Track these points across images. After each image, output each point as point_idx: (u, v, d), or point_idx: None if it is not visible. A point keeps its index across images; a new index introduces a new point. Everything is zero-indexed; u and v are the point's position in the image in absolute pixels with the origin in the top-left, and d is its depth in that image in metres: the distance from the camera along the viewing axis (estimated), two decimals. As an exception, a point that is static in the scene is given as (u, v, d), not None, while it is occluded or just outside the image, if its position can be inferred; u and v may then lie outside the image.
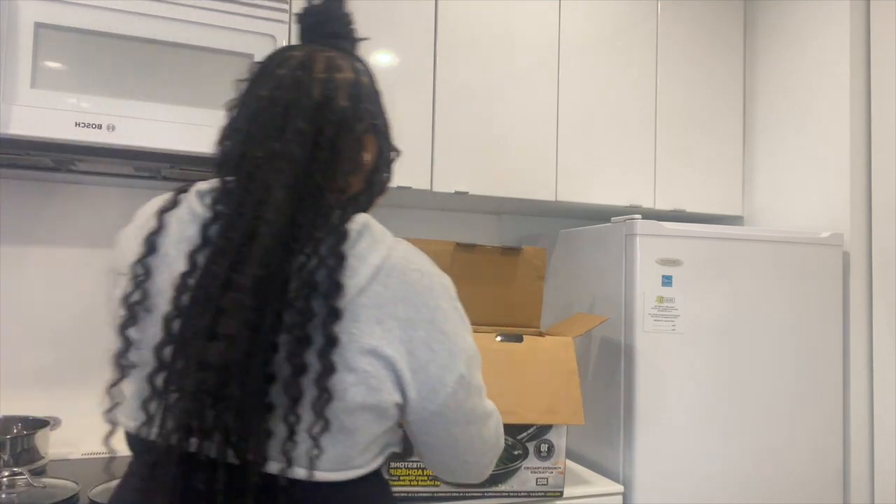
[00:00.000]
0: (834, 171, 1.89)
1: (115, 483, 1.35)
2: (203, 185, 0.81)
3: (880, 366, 1.81)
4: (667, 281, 1.66)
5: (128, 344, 0.78)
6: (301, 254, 0.73)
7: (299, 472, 0.72)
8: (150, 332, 0.77)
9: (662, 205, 2.02)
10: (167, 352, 0.73)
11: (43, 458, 1.49)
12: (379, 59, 1.70)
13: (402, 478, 1.39)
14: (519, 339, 1.49)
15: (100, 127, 1.36)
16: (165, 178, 1.69)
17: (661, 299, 1.65)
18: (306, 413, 0.70)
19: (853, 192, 1.85)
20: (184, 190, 0.82)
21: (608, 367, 1.72)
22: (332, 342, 0.71)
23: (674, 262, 1.67)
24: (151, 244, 0.79)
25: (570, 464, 1.74)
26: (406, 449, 0.85)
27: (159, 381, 0.73)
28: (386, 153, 0.89)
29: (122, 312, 0.79)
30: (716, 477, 1.68)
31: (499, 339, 1.49)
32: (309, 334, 0.70)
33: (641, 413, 1.62)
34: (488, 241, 2.15)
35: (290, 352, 0.70)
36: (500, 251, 1.58)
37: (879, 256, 1.83)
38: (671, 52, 2.04)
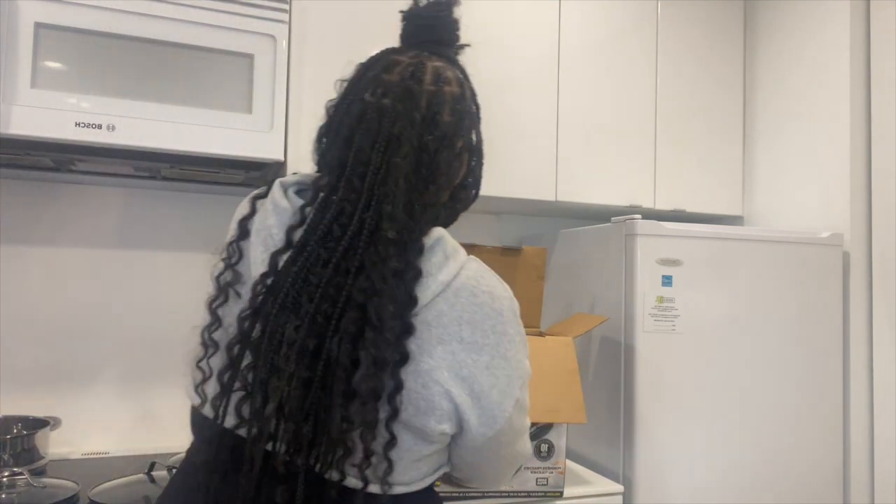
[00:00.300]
0: (834, 171, 1.89)
1: (114, 483, 1.36)
2: (288, 178, 0.82)
3: (880, 366, 1.81)
4: (667, 281, 1.66)
5: (217, 321, 0.78)
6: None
7: (353, 483, 0.71)
8: (235, 315, 0.76)
9: (662, 205, 2.02)
10: (250, 352, 0.72)
11: (43, 458, 1.49)
12: (379, 59, 1.69)
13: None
14: (519, 339, 1.49)
15: (100, 127, 1.36)
16: (165, 178, 1.69)
17: (661, 299, 1.65)
18: (380, 429, 0.70)
19: (853, 192, 1.85)
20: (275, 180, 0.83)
21: (608, 367, 1.71)
22: (404, 358, 0.70)
23: (674, 262, 1.67)
24: (244, 228, 0.79)
25: (570, 464, 1.74)
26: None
27: (244, 377, 0.72)
28: (476, 169, 0.89)
29: (214, 290, 0.79)
30: (716, 477, 1.67)
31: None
32: (384, 350, 0.70)
33: (641, 413, 1.62)
34: (488, 241, 2.15)
35: (368, 367, 0.69)
36: (500, 251, 1.58)
37: (879, 256, 1.83)
38: (671, 52, 2.04)
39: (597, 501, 1.54)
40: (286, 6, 1.52)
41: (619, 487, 1.59)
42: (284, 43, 1.51)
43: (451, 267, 0.75)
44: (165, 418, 1.78)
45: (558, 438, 1.46)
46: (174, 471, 0.88)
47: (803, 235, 1.80)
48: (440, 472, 0.81)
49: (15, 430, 1.55)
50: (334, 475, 0.69)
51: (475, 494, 1.42)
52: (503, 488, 0.93)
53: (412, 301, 0.72)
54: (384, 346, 0.69)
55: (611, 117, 1.96)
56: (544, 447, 1.46)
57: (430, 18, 0.86)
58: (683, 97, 2.06)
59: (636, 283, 1.64)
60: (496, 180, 1.82)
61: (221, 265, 0.79)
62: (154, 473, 1.41)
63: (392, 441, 0.71)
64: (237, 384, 0.71)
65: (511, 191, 1.83)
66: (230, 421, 0.72)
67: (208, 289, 0.82)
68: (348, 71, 0.87)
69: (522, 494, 1.45)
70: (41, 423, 1.53)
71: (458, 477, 0.88)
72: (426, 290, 0.73)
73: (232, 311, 0.76)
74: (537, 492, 1.45)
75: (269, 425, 0.69)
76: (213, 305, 0.77)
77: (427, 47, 0.85)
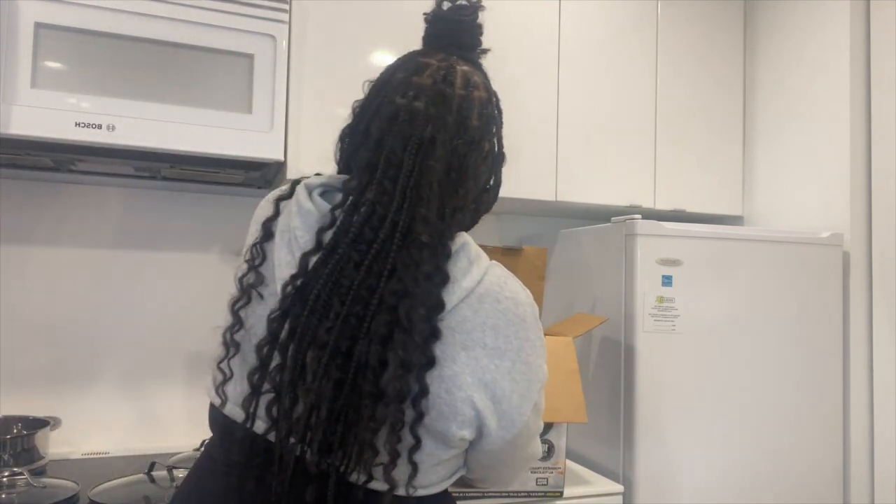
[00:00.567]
0: (834, 171, 1.89)
1: (114, 483, 1.36)
2: (312, 180, 0.81)
3: (880, 366, 1.81)
4: (667, 281, 1.66)
5: (239, 322, 0.77)
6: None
7: (378, 486, 0.72)
8: (259, 317, 0.76)
9: (662, 205, 2.02)
10: (277, 352, 0.72)
11: (43, 458, 1.49)
12: (380, 60, 1.69)
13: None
14: (519, 339, 1.49)
15: (100, 127, 1.36)
16: (165, 178, 1.69)
17: (661, 299, 1.65)
18: (405, 432, 0.70)
19: (853, 193, 1.85)
20: (299, 181, 0.82)
21: (608, 367, 1.71)
22: (430, 363, 0.71)
23: (674, 262, 1.67)
24: (268, 230, 0.79)
25: (570, 464, 1.74)
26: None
27: (277, 379, 0.71)
28: (499, 173, 0.89)
29: (236, 292, 0.78)
30: (716, 477, 1.67)
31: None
32: (412, 352, 0.70)
33: (641, 413, 1.62)
34: (488, 241, 2.15)
35: (396, 369, 0.69)
36: (500, 251, 1.58)
37: (879, 256, 1.83)
38: (671, 52, 2.04)
39: (597, 501, 1.54)
40: (286, 6, 1.52)
41: (619, 487, 1.59)
42: (284, 43, 1.51)
43: (475, 273, 0.76)
44: (165, 418, 1.78)
45: (558, 438, 1.46)
46: (190, 468, 0.87)
47: (803, 235, 1.80)
48: (457, 476, 0.82)
49: (15, 430, 1.55)
50: (361, 477, 0.70)
51: (475, 494, 1.41)
52: (510, 488, 0.94)
53: (440, 305, 0.72)
54: (412, 348, 0.69)
55: (611, 117, 1.96)
56: (544, 447, 1.46)
57: (455, 22, 0.87)
58: (683, 97, 2.06)
59: (636, 283, 1.64)
60: (496, 180, 1.82)
61: (245, 266, 0.78)
62: (154, 473, 1.41)
63: (417, 444, 0.71)
64: (266, 385, 0.71)
65: (511, 191, 1.83)
66: (260, 425, 0.72)
67: (229, 290, 0.82)
68: (371, 73, 0.87)
69: (522, 494, 1.45)
70: (41, 423, 1.53)
71: (471, 478, 0.88)
72: (452, 296, 0.73)
73: (255, 313, 0.76)
74: (537, 492, 1.45)
75: (298, 426, 0.69)
76: (236, 307, 0.76)
77: (451, 50, 0.85)
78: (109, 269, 1.75)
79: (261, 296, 0.76)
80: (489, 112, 0.85)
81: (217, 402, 0.77)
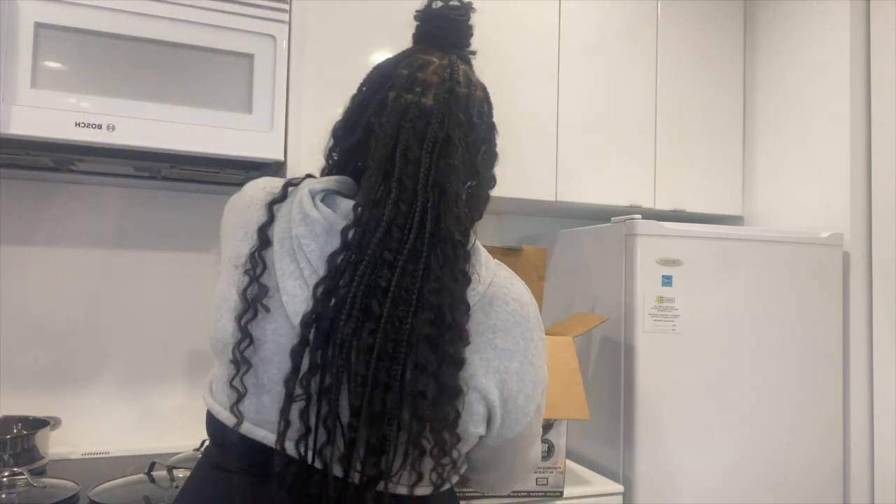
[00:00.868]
0: (834, 171, 1.89)
1: (114, 483, 1.36)
2: (315, 185, 0.79)
3: (880, 366, 1.81)
4: (667, 281, 1.66)
5: (248, 338, 0.73)
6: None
7: (422, 490, 0.73)
8: (270, 329, 0.73)
9: (662, 205, 2.02)
10: (309, 358, 0.70)
11: (43, 458, 1.49)
12: (380, 60, 1.69)
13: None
14: (519, 339, 1.49)
15: (100, 127, 1.36)
16: (165, 178, 1.69)
17: (661, 299, 1.65)
18: (451, 431, 0.71)
19: (853, 193, 1.85)
20: (293, 183, 0.80)
21: (608, 367, 1.71)
22: (463, 362, 0.71)
23: (674, 262, 1.67)
24: (265, 237, 0.76)
25: (570, 464, 1.74)
26: None
27: (302, 388, 0.69)
28: (494, 172, 0.89)
29: (240, 305, 0.74)
30: (716, 477, 1.67)
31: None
32: (460, 349, 0.71)
33: (641, 413, 1.62)
34: (488, 241, 2.15)
35: (446, 367, 0.69)
36: (500, 251, 1.58)
37: (879, 256, 1.83)
38: (671, 52, 2.04)
39: (597, 501, 1.55)
40: (286, 6, 1.52)
41: (619, 487, 1.59)
42: (284, 43, 1.51)
43: (486, 275, 0.76)
44: (165, 418, 1.78)
45: (558, 438, 1.46)
46: (191, 476, 0.85)
47: (803, 235, 1.80)
48: (462, 470, 0.83)
49: (15, 430, 1.55)
50: (412, 478, 0.70)
51: (475, 494, 1.41)
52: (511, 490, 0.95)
53: (468, 304, 0.73)
54: (460, 345, 0.70)
55: (611, 117, 1.96)
56: (544, 447, 1.46)
57: (448, 20, 0.86)
58: (683, 97, 2.06)
59: (636, 283, 1.64)
60: (496, 180, 1.81)
61: (246, 278, 0.74)
62: (154, 473, 1.41)
63: (457, 441, 0.72)
64: (299, 391, 0.69)
65: (511, 191, 1.83)
66: (290, 446, 0.70)
67: (210, 289, 0.80)
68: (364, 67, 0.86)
69: (522, 494, 1.45)
70: (41, 423, 1.53)
71: (472, 479, 0.89)
72: (470, 299, 0.74)
73: (261, 327, 0.73)
74: (537, 492, 1.45)
75: (343, 433, 0.68)
76: (243, 321, 0.73)
77: (446, 49, 0.85)
78: (109, 269, 1.75)
79: (266, 308, 0.74)
80: (486, 111, 0.86)
81: (232, 422, 0.74)
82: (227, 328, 0.75)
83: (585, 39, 1.93)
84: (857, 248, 1.85)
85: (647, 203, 2.00)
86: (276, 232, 0.76)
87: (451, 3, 0.86)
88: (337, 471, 0.68)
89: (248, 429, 0.74)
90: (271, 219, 0.77)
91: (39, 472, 1.44)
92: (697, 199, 2.07)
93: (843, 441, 1.81)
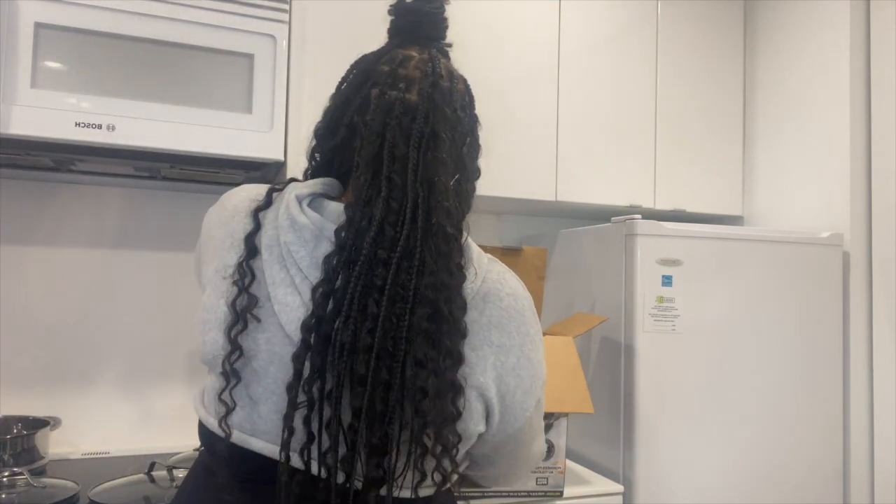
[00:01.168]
0: (834, 171, 1.89)
1: (114, 483, 1.36)
2: (301, 190, 0.77)
3: (880, 366, 1.81)
4: (667, 281, 1.66)
5: (238, 350, 0.72)
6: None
7: (425, 491, 0.73)
8: (262, 339, 0.73)
9: (662, 205, 2.02)
10: (311, 362, 0.69)
11: (43, 458, 1.49)
12: (379, 59, 1.69)
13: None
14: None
15: (100, 127, 1.36)
16: (165, 178, 1.69)
17: (661, 299, 1.65)
18: (452, 427, 0.71)
19: (853, 192, 1.85)
20: (277, 189, 0.79)
21: (608, 367, 1.71)
22: (462, 359, 0.71)
23: (674, 262, 1.67)
24: (252, 246, 0.75)
25: (570, 464, 1.74)
26: None
27: (306, 394, 0.68)
28: (476, 165, 0.88)
29: (229, 316, 0.73)
30: (716, 477, 1.67)
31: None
32: (458, 343, 0.71)
33: (641, 413, 1.62)
34: (488, 241, 2.15)
35: (444, 361, 0.69)
36: (500, 251, 1.58)
37: (879, 256, 1.83)
38: (671, 52, 2.04)
39: (597, 501, 1.54)
40: (286, 6, 1.52)
41: (619, 487, 1.59)
42: (284, 43, 1.51)
43: (479, 272, 0.76)
44: (165, 418, 1.78)
45: (558, 438, 1.46)
46: (185, 481, 0.85)
47: (803, 235, 1.80)
48: (463, 467, 0.83)
49: (15, 430, 1.55)
50: (416, 476, 0.70)
51: (475, 494, 1.42)
52: (513, 488, 0.94)
53: (465, 302, 0.73)
54: (458, 338, 0.70)
55: (611, 117, 1.96)
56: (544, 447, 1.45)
57: (423, 14, 0.86)
58: (683, 97, 2.06)
59: (636, 283, 1.64)
60: (496, 180, 1.82)
61: (234, 289, 0.73)
62: (154, 473, 1.41)
63: (459, 439, 0.72)
64: (302, 397, 0.68)
65: (511, 191, 1.83)
66: (296, 459, 0.69)
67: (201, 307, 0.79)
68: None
69: (522, 494, 1.44)
70: (41, 423, 1.53)
71: (474, 475, 0.89)
72: (465, 295, 0.74)
73: (252, 338, 0.72)
74: (537, 492, 1.45)
75: (347, 435, 0.67)
76: (233, 333, 0.72)
77: (423, 43, 0.85)
78: (109, 269, 1.75)
79: (257, 318, 0.72)
80: (470, 103, 0.86)
81: (221, 434, 0.74)
82: (216, 341, 0.74)
83: (585, 39, 1.94)
84: (857, 248, 1.85)
85: (647, 203, 2.00)
86: (264, 240, 0.75)
87: None
88: (340, 476, 0.68)
89: (241, 439, 0.73)
90: (257, 227, 0.76)
91: (39, 472, 1.44)
92: (697, 199, 2.07)
93: (843, 441, 1.81)
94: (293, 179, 0.82)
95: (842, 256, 1.83)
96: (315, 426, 0.68)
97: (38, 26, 1.32)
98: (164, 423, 1.77)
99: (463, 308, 0.72)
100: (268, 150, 1.48)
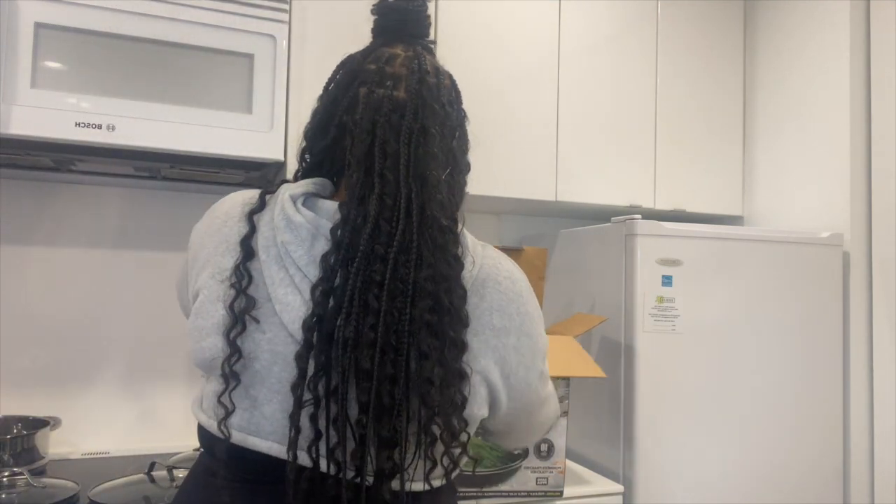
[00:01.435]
0: (834, 171, 1.89)
1: (114, 483, 1.36)
2: (295, 190, 0.78)
3: (880, 366, 1.81)
4: (667, 281, 1.66)
5: (237, 352, 0.72)
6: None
7: (437, 481, 0.74)
8: (265, 340, 0.73)
9: (662, 205, 2.02)
10: (315, 360, 0.69)
11: (43, 458, 1.49)
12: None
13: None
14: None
15: (100, 127, 1.36)
16: (165, 178, 1.69)
17: (661, 299, 1.65)
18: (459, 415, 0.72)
19: (853, 192, 1.85)
20: (269, 191, 0.80)
21: (608, 367, 1.71)
22: (465, 347, 0.72)
23: (674, 262, 1.67)
24: (248, 248, 0.75)
25: (570, 464, 1.74)
26: None
27: (312, 393, 0.69)
28: (466, 159, 0.89)
29: (227, 319, 0.73)
30: (716, 477, 1.67)
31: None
32: (461, 332, 0.72)
33: (641, 413, 1.62)
34: (488, 241, 2.15)
35: (449, 351, 0.70)
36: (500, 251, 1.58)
37: (879, 256, 1.83)
38: (671, 52, 2.04)
39: (597, 501, 1.55)
40: (286, 6, 1.52)
41: (619, 487, 1.59)
42: (284, 43, 1.51)
43: (476, 259, 0.78)
44: (165, 418, 1.78)
45: (558, 438, 1.46)
46: (186, 481, 0.85)
47: (803, 235, 1.80)
48: (471, 453, 0.84)
49: (15, 430, 1.55)
50: (427, 465, 0.71)
51: (475, 494, 1.42)
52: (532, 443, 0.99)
53: (465, 291, 0.74)
54: (460, 328, 0.72)
55: (611, 117, 1.96)
56: (544, 447, 1.46)
57: (407, 12, 0.87)
58: (683, 97, 2.06)
59: (636, 283, 1.64)
60: (496, 180, 1.82)
61: (232, 292, 0.73)
62: (154, 473, 1.41)
63: (466, 425, 0.73)
64: (308, 396, 0.69)
65: (511, 191, 1.83)
66: (304, 457, 0.69)
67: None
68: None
69: (522, 494, 1.45)
70: (41, 423, 1.53)
71: (493, 436, 0.92)
72: (464, 283, 0.76)
73: (252, 339, 0.73)
74: (537, 491, 1.45)
75: (348, 433, 0.67)
76: (232, 335, 0.72)
77: (408, 40, 0.85)
78: (109, 269, 1.75)
79: (255, 320, 0.73)
80: (457, 98, 0.87)
81: (220, 437, 0.74)
82: (215, 345, 0.74)
83: (585, 39, 1.94)
84: (857, 248, 1.85)
85: (647, 203, 2.00)
86: (261, 241, 0.75)
87: None
88: (350, 472, 0.68)
89: (241, 439, 0.73)
90: (253, 229, 0.76)
91: (39, 472, 1.44)
92: (697, 199, 2.07)
93: (843, 441, 1.81)
94: (285, 181, 0.83)
95: (842, 256, 1.84)
96: (322, 424, 0.68)
97: (38, 26, 1.33)
98: (164, 423, 1.77)
99: (463, 297, 0.73)
100: (268, 150, 1.48)
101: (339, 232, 0.72)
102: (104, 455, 1.65)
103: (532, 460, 1.45)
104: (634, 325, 1.64)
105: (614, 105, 1.97)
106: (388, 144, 0.75)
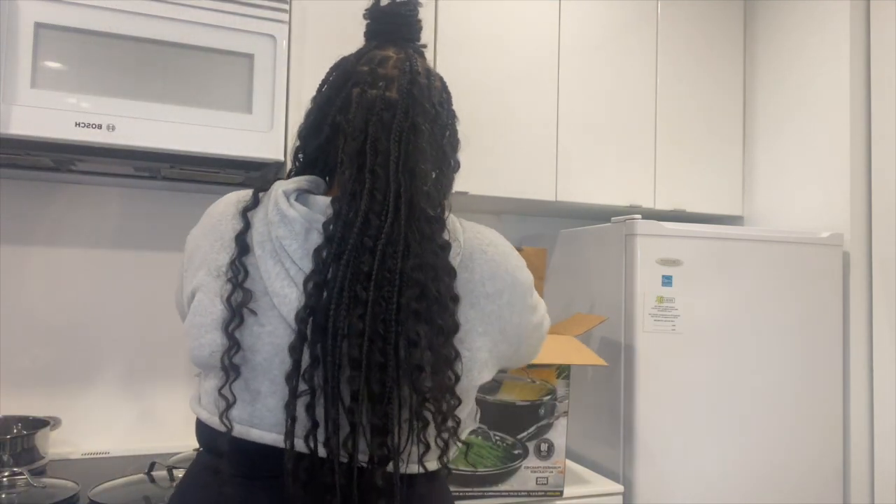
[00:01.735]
0: (834, 171, 1.89)
1: (114, 483, 1.36)
2: (287, 186, 0.80)
3: (880, 366, 1.81)
4: (667, 281, 1.66)
5: (235, 345, 0.74)
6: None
7: (432, 465, 0.77)
8: (265, 332, 0.75)
9: (662, 205, 2.02)
10: (309, 351, 0.71)
11: (43, 458, 1.49)
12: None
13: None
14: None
15: (100, 127, 1.36)
16: (165, 178, 1.69)
17: (661, 299, 1.65)
18: (450, 396, 0.74)
19: (853, 192, 1.85)
20: (263, 189, 0.82)
21: (608, 368, 1.71)
22: (457, 327, 0.75)
23: (674, 262, 1.67)
24: (244, 244, 0.77)
25: (570, 464, 1.74)
26: None
27: (305, 383, 0.71)
28: (456, 158, 0.92)
29: (225, 313, 0.75)
30: (716, 477, 1.67)
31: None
32: (448, 319, 0.74)
33: (641, 413, 1.62)
34: (488, 241, 2.15)
35: (437, 338, 0.73)
36: (500, 251, 1.58)
37: (879, 256, 1.83)
38: (671, 52, 2.04)
39: (597, 501, 1.55)
40: (286, 6, 1.52)
41: (619, 487, 1.59)
42: (284, 43, 1.51)
43: (458, 237, 0.80)
44: (165, 418, 1.78)
45: (558, 438, 1.46)
46: (183, 481, 0.85)
47: (803, 235, 1.80)
48: (464, 435, 0.85)
49: (15, 430, 1.55)
50: (420, 449, 0.73)
51: (475, 494, 1.42)
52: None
53: (454, 272, 0.77)
54: (447, 315, 0.74)
55: (611, 117, 1.96)
56: (544, 446, 1.46)
57: (398, 16, 0.89)
58: (683, 97, 2.06)
59: (636, 283, 1.64)
60: (496, 180, 1.82)
61: (229, 286, 0.75)
62: (154, 473, 1.41)
63: (458, 404, 0.75)
64: (303, 387, 0.71)
65: (511, 191, 1.83)
66: (299, 443, 0.71)
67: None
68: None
69: (522, 494, 1.45)
70: (41, 423, 1.53)
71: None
72: (454, 263, 0.78)
73: (250, 332, 0.74)
74: (537, 491, 1.45)
75: (342, 420, 0.69)
76: (230, 328, 0.73)
77: (399, 43, 0.88)
78: (109, 269, 1.75)
79: (253, 312, 0.75)
80: (447, 99, 0.89)
81: (222, 430, 0.75)
82: (214, 341, 0.75)
83: (585, 39, 1.94)
84: (857, 248, 1.85)
85: (646, 203, 2.00)
86: (255, 237, 0.77)
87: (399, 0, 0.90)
88: (344, 458, 0.70)
89: (243, 432, 0.74)
90: (247, 226, 0.78)
91: (39, 472, 1.44)
92: (697, 199, 2.07)
93: (843, 441, 1.81)
94: (277, 179, 0.85)
95: (842, 256, 1.84)
96: (318, 413, 0.70)
97: (38, 26, 1.33)
98: (164, 423, 1.77)
99: (450, 286, 0.75)
100: (268, 150, 1.48)
101: (331, 226, 0.74)
102: (104, 455, 1.65)
103: (532, 460, 1.45)
104: (634, 325, 1.64)
105: (614, 105, 1.97)
106: (380, 142, 0.78)
